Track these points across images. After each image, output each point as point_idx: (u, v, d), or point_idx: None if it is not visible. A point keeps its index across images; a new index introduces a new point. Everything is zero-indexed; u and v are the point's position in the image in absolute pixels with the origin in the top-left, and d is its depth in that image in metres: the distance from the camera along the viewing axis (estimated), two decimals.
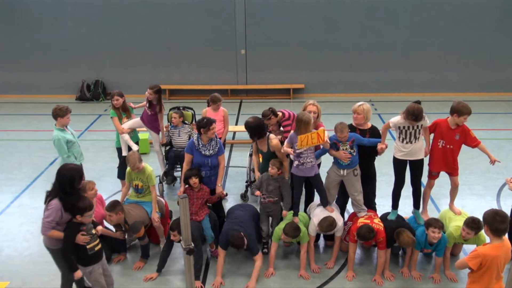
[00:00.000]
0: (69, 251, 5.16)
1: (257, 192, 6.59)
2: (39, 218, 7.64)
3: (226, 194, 8.29)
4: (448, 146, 6.25)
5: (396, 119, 6.14)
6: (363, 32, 14.14)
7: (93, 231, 5.29)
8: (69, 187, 5.11)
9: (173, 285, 6.17)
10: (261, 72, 14.49)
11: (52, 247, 5.29)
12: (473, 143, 6.29)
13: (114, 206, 6.22)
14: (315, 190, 6.87)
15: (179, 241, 6.00)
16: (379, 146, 6.24)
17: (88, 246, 5.20)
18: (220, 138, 8.05)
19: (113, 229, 6.62)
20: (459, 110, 6.07)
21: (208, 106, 8.29)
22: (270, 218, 6.73)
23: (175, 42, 14.36)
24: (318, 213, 6.41)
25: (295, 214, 6.46)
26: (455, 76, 14.37)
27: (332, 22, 14.11)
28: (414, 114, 5.89)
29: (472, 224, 5.69)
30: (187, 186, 6.43)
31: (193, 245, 3.18)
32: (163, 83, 13.49)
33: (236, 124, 12.17)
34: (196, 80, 14.54)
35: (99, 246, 5.35)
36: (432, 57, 14.22)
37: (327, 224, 6.16)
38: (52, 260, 6.53)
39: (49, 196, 5.17)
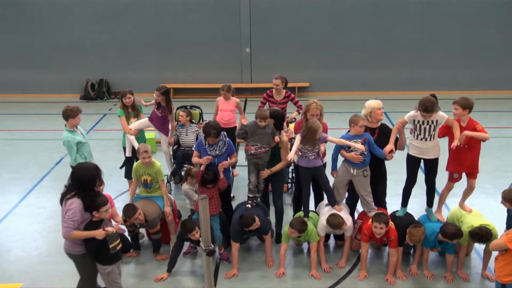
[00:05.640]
0: (93, 247, 5.10)
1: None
2: (47, 218, 7.72)
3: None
4: (462, 146, 6.11)
5: (412, 112, 6.04)
6: (369, 30, 14.09)
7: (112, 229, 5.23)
8: (89, 186, 5.03)
9: (184, 286, 6.13)
10: (266, 71, 14.37)
11: (74, 252, 5.19)
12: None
13: (131, 214, 6.16)
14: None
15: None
16: (385, 149, 6.11)
17: (110, 246, 5.13)
18: (234, 127, 8.20)
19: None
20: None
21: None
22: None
23: (180, 41, 14.32)
24: (326, 212, 6.37)
25: (306, 215, 6.42)
26: (461, 74, 14.31)
27: (337, 20, 14.07)
28: (424, 105, 5.79)
29: (480, 238, 5.70)
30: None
31: (213, 246, 3.14)
32: (168, 82, 13.45)
33: None
34: (201, 78, 14.50)
35: (120, 245, 5.30)
36: (438, 54, 14.17)
37: (337, 222, 6.10)
38: (61, 260, 6.53)
39: (66, 197, 5.07)
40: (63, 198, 5.06)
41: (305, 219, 6.32)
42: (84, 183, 5.02)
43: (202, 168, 6.39)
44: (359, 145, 6.10)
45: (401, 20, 13.97)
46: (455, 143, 5.87)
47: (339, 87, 14.51)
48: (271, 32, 14.18)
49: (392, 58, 14.30)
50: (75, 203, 4.96)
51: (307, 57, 14.33)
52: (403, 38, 14.09)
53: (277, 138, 6.39)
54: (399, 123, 6.15)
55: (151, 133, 9.84)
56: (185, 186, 6.88)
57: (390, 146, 6.14)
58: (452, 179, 6.46)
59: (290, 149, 7.39)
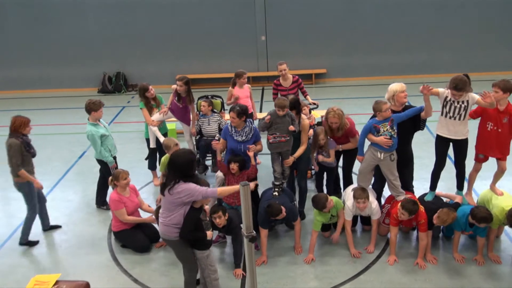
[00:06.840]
0: (188, 233, 5.08)
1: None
2: (74, 211, 7.79)
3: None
4: (496, 129, 5.98)
5: (443, 89, 5.94)
6: (385, 15, 13.95)
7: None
8: (189, 170, 4.99)
9: None
10: (282, 58, 13.99)
11: (169, 238, 5.15)
12: None
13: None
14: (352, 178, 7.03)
15: (223, 227, 6.00)
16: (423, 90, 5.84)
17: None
18: (251, 113, 8.09)
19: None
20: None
21: (234, 85, 8.42)
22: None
23: (194, 31, 14.30)
24: (351, 197, 6.34)
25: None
26: (480, 56, 14.13)
27: (353, 5, 13.95)
28: (455, 83, 5.71)
29: None
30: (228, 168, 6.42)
31: (254, 232, 3.13)
32: (184, 72, 13.27)
33: (260, 111, 12.08)
34: (217, 68, 14.48)
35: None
36: (456, 37, 14.00)
37: (359, 191, 6.16)
38: (91, 251, 6.65)
39: (167, 187, 4.97)
40: (164, 188, 5.02)
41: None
42: (184, 169, 4.97)
43: (219, 158, 6.49)
44: (384, 140, 6.06)
45: (416, 3, 13.78)
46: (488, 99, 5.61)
47: (356, 73, 14.42)
48: (286, 19, 14.09)
49: (409, 42, 14.14)
50: (185, 184, 4.92)
51: (324, 43, 14.23)
52: (419, 21, 13.93)
53: (291, 128, 6.37)
54: (431, 91, 5.84)
55: (172, 124, 9.86)
56: (220, 173, 6.85)
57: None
58: (478, 159, 6.34)
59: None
